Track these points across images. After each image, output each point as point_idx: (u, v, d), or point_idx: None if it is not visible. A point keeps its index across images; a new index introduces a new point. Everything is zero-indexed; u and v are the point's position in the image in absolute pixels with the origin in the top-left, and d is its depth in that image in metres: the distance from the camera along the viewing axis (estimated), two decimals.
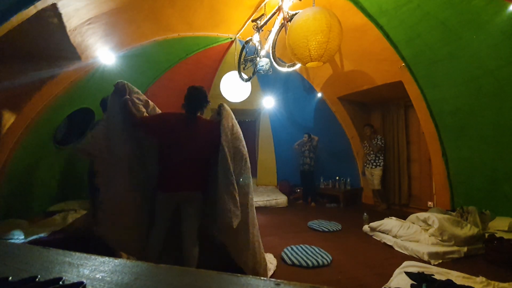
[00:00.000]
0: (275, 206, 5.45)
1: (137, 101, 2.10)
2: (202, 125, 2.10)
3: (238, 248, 2.07)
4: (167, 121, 2.05)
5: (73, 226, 3.11)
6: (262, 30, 3.38)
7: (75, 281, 0.52)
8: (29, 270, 0.61)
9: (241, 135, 2.19)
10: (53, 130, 3.41)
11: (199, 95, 2.12)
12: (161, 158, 2.09)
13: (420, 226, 3.14)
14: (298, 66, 2.75)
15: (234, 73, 3.91)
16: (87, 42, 2.81)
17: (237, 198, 1.96)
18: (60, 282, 0.51)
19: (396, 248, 3.06)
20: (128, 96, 2.06)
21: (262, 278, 0.55)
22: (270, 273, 2.42)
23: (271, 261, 2.65)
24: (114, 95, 2.09)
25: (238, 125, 2.20)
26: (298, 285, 0.50)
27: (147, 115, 2.15)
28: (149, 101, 2.26)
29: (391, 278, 2.22)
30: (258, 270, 2.16)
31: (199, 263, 2.02)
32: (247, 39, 3.66)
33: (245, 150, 2.15)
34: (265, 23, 3.26)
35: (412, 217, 3.29)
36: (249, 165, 2.18)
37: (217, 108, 2.23)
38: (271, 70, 3.28)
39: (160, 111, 2.29)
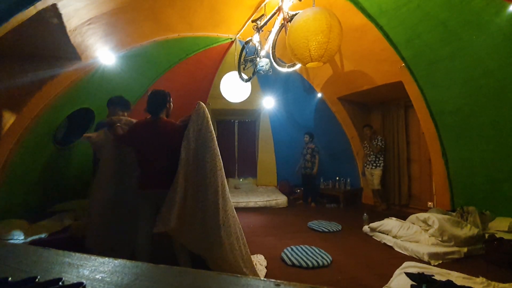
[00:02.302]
0: (275, 206, 5.45)
1: (116, 130, 2.34)
2: (162, 127, 2.24)
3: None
4: (135, 128, 2.29)
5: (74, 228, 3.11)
6: (262, 31, 3.38)
7: (75, 281, 0.52)
8: (29, 270, 0.61)
9: (211, 140, 2.12)
10: (53, 130, 3.40)
11: (156, 98, 2.28)
12: (137, 161, 2.31)
13: (420, 227, 3.14)
14: (298, 66, 2.75)
15: (234, 74, 3.91)
16: (87, 42, 2.81)
17: (175, 207, 1.95)
18: (60, 283, 0.51)
19: (396, 249, 3.06)
20: (118, 124, 2.36)
21: (262, 278, 0.55)
22: (261, 274, 2.41)
23: (260, 263, 2.65)
24: (109, 129, 2.39)
25: (210, 128, 2.14)
26: (298, 285, 0.50)
27: None
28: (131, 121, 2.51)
29: (391, 279, 2.22)
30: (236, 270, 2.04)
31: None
32: (247, 40, 3.66)
33: (213, 160, 2.08)
34: (265, 23, 3.26)
35: (412, 217, 3.29)
36: (219, 170, 2.10)
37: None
38: (271, 70, 3.28)
39: None
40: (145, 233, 2.17)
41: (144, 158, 2.24)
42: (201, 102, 2.19)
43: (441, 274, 2.18)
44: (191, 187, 2.05)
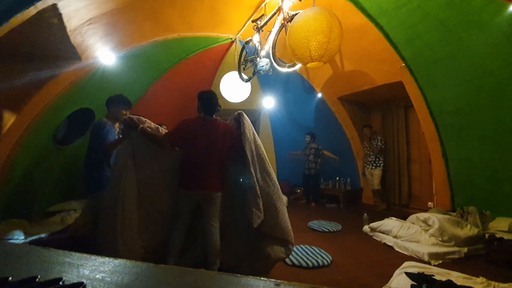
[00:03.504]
0: None
1: (149, 129, 2.29)
2: (220, 127, 2.26)
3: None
4: (188, 126, 2.24)
5: (75, 226, 3.12)
6: (262, 31, 3.38)
7: (75, 281, 0.52)
8: (29, 270, 0.60)
9: (260, 142, 2.46)
10: (53, 130, 3.40)
11: (215, 99, 2.30)
12: (183, 160, 2.27)
13: (420, 227, 3.14)
14: (298, 66, 2.75)
15: (234, 74, 3.91)
16: (87, 42, 2.81)
17: (260, 202, 2.15)
18: (60, 283, 0.51)
19: (396, 249, 3.06)
20: (141, 125, 2.28)
21: (262, 278, 0.55)
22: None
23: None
24: (126, 129, 2.32)
25: (256, 133, 2.43)
26: (298, 285, 0.50)
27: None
28: (158, 126, 2.46)
29: (391, 279, 2.21)
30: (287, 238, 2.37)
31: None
32: (247, 40, 3.66)
33: (265, 154, 2.44)
34: (265, 23, 3.26)
35: (412, 217, 3.29)
36: (269, 164, 2.45)
37: (235, 114, 2.42)
38: (271, 70, 3.28)
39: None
40: (180, 233, 2.21)
41: (197, 157, 2.20)
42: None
43: (441, 274, 2.18)
44: (261, 181, 2.27)
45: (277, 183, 2.39)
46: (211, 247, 2.19)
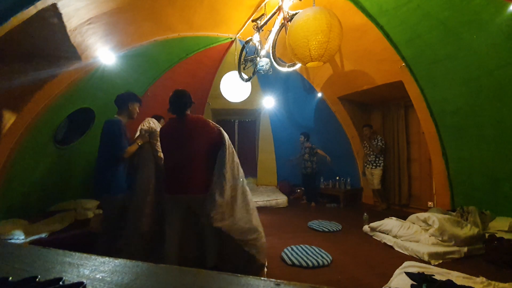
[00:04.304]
0: (275, 206, 5.45)
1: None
2: (191, 122, 2.17)
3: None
4: (162, 131, 2.27)
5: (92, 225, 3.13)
6: (262, 30, 3.38)
7: (75, 281, 0.52)
8: (29, 270, 0.61)
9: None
10: (53, 130, 3.40)
11: (178, 97, 2.21)
12: (165, 164, 2.24)
13: (420, 226, 3.14)
14: (298, 66, 2.75)
15: (234, 73, 3.91)
16: (87, 42, 2.81)
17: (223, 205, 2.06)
18: (60, 282, 0.51)
19: (396, 248, 3.06)
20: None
21: (262, 278, 0.55)
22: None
23: None
24: (145, 135, 2.56)
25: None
26: (298, 285, 0.50)
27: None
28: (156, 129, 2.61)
29: (391, 278, 2.21)
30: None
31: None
32: (247, 39, 3.66)
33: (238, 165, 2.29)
34: (265, 23, 3.26)
35: (412, 217, 3.29)
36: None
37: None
38: (271, 70, 3.28)
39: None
40: (174, 241, 2.11)
41: (172, 159, 2.15)
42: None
43: (441, 274, 2.18)
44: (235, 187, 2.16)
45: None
46: (209, 251, 2.14)
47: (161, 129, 2.33)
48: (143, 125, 2.61)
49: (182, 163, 2.09)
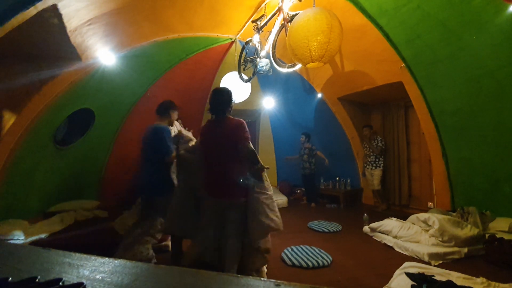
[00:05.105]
0: None
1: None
2: (232, 126, 2.03)
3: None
4: (202, 132, 2.19)
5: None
6: (262, 31, 3.38)
7: (75, 281, 0.52)
8: (29, 270, 0.60)
9: None
10: (53, 130, 3.41)
11: (218, 96, 2.10)
12: (204, 165, 2.20)
13: (421, 227, 3.13)
14: (298, 66, 2.75)
15: (234, 74, 3.91)
16: (87, 42, 2.81)
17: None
18: (60, 283, 0.51)
19: (397, 249, 3.05)
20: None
21: (262, 278, 0.55)
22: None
23: None
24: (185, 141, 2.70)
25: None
26: (298, 285, 0.50)
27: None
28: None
29: (392, 279, 2.21)
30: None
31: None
32: (247, 40, 3.66)
33: None
34: (265, 23, 3.26)
35: (412, 217, 3.29)
36: None
37: None
38: (271, 70, 3.28)
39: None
40: (208, 243, 2.08)
41: (210, 162, 2.12)
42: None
43: (441, 275, 2.18)
44: None
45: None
46: (230, 258, 2.03)
47: (201, 131, 2.27)
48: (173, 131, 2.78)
49: (220, 169, 2.03)
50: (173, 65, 4.59)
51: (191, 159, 2.43)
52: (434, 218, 2.98)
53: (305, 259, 2.72)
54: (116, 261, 0.65)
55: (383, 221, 3.43)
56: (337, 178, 5.79)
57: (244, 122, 2.10)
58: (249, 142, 2.03)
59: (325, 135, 6.25)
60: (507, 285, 2.04)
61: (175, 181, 2.60)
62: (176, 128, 2.84)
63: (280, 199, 5.57)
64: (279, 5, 2.82)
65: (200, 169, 2.24)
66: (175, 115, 2.74)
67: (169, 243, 2.84)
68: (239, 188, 2.03)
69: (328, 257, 2.78)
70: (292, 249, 3.01)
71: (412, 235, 3.04)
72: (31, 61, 2.54)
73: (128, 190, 5.10)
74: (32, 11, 1.99)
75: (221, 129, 2.05)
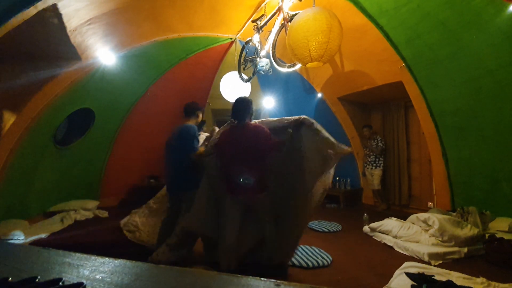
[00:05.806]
0: None
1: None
2: (251, 130, 2.29)
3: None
4: (223, 135, 2.43)
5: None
6: (262, 31, 3.38)
7: (75, 281, 0.52)
8: (29, 270, 0.61)
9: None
10: (53, 130, 3.41)
11: (241, 104, 2.36)
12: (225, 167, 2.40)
13: (421, 227, 3.13)
14: (298, 66, 2.75)
15: (234, 74, 3.91)
16: (87, 42, 2.81)
17: None
18: (60, 283, 0.51)
19: (397, 249, 3.05)
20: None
21: (262, 278, 0.55)
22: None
23: None
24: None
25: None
26: (298, 285, 0.50)
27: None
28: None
29: (392, 279, 2.21)
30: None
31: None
32: (247, 40, 3.66)
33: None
34: (265, 23, 3.26)
35: (412, 217, 3.29)
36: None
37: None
38: (271, 70, 3.28)
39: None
40: (233, 237, 2.17)
41: (228, 163, 2.33)
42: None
43: (441, 274, 2.18)
44: None
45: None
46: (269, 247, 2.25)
47: (221, 134, 2.49)
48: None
49: (241, 168, 2.25)
50: (173, 65, 4.59)
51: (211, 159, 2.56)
52: (434, 218, 2.98)
53: (305, 259, 2.72)
54: (116, 261, 0.65)
55: (383, 221, 3.43)
56: (337, 178, 5.79)
57: (264, 127, 2.32)
58: (278, 148, 2.31)
59: None
60: (507, 285, 2.04)
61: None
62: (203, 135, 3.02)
63: None
64: (279, 5, 2.82)
65: (220, 169, 2.43)
66: (200, 115, 2.88)
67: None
68: (258, 184, 2.26)
69: (328, 257, 2.78)
70: None
71: (412, 235, 3.04)
72: (31, 61, 2.54)
73: (128, 190, 5.10)
74: (32, 10, 1.98)
75: (240, 133, 2.31)
